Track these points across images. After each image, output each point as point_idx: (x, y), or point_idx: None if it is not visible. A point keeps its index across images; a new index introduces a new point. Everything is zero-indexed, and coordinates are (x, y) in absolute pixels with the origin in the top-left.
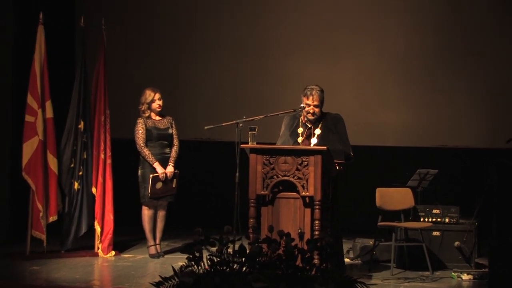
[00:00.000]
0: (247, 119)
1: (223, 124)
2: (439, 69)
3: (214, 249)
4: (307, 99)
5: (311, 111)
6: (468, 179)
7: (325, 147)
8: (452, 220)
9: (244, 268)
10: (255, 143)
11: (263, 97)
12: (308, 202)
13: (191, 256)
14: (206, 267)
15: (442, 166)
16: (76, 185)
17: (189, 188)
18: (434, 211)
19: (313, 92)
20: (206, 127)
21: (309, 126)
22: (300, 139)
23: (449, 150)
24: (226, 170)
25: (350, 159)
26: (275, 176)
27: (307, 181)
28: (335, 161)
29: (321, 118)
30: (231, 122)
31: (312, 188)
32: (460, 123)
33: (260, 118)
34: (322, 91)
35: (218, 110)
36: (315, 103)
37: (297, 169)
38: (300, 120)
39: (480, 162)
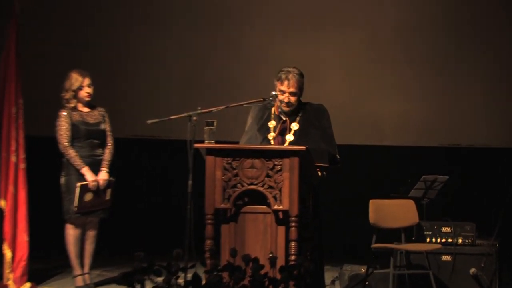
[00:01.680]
0: (203, 110)
1: (172, 117)
2: (450, 52)
3: (160, 279)
4: (282, 84)
5: (285, 99)
6: (487, 188)
7: (304, 147)
8: (467, 241)
9: None
10: (213, 141)
11: (225, 83)
12: (282, 218)
13: None
14: None
15: (453, 171)
16: None
17: (128, 200)
18: (444, 229)
19: (290, 76)
20: (149, 121)
21: (284, 119)
22: (271, 136)
23: (462, 151)
24: (176, 176)
25: (337, 162)
26: (239, 185)
27: (280, 190)
28: (316, 164)
29: (299, 110)
30: (182, 115)
31: (287, 200)
32: (476, 118)
33: (220, 110)
34: (301, 75)
35: (166, 100)
36: (292, 89)
37: (268, 176)
38: (272, 112)
39: (502, 166)
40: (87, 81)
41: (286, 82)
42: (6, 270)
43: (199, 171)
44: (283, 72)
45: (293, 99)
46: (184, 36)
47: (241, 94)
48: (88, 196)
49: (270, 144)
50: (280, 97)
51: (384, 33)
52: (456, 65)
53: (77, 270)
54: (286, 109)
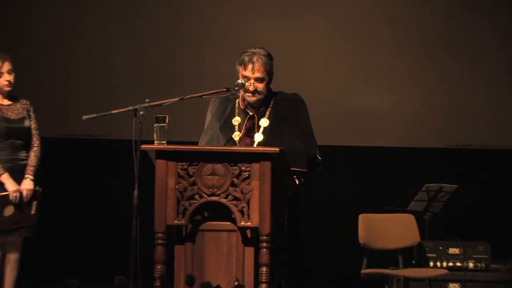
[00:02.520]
0: (151, 103)
1: (113, 111)
2: (454, 37)
3: None
4: (245, 69)
5: (251, 87)
6: (504, 199)
7: (277, 148)
8: (480, 265)
9: None
10: (164, 142)
11: (180, 69)
12: (251, 238)
13: None
14: None
15: (463, 179)
16: None
17: (59, 215)
18: (451, 250)
19: (254, 58)
20: (84, 117)
21: (251, 113)
22: (236, 135)
23: (474, 154)
24: (119, 185)
25: (317, 165)
26: (197, 196)
27: (248, 203)
28: (293, 169)
29: (268, 101)
30: (126, 109)
31: (256, 215)
32: (491, 113)
33: (173, 102)
34: (268, 56)
35: (106, 91)
36: (258, 74)
37: (233, 185)
38: (237, 105)
39: None
40: (7, 66)
41: (250, 66)
42: None
43: (148, 178)
44: (246, 54)
45: (260, 86)
46: (129, 13)
47: (201, 84)
48: (9, 210)
49: (235, 145)
50: (245, 85)
51: (376, 12)
52: (463, 52)
53: None
54: (252, 99)
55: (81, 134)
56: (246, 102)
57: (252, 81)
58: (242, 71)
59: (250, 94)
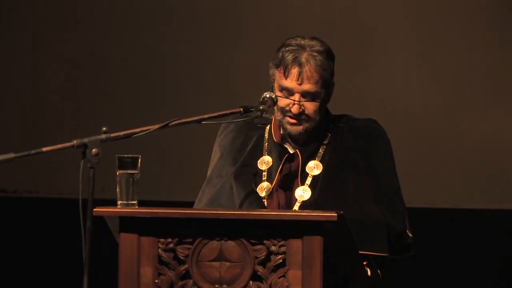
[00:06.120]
0: (113, 135)
1: (44, 149)
2: None
3: None
4: (285, 75)
5: (294, 109)
6: None
7: (335, 213)
8: None
9: None
10: (135, 202)
11: (164, 79)
12: None
13: None
14: None
15: None
16: None
17: None
18: None
19: (303, 57)
20: None
21: (291, 151)
22: (264, 188)
23: None
24: (55, 276)
25: (407, 246)
26: None
27: None
28: (362, 253)
29: (323, 131)
30: (66, 145)
31: None
32: None
33: (149, 132)
34: (327, 54)
35: (38, 119)
36: (308, 86)
37: (256, 277)
38: (267, 135)
39: None
40: None
41: (294, 71)
42: None
43: (109, 263)
44: (289, 48)
45: (310, 107)
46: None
47: (200, 101)
48: None
49: (262, 206)
50: (283, 102)
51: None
52: None
53: None
54: (296, 128)
55: None
56: (283, 131)
57: (297, 96)
58: (280, 79)
59: (294, 120)
